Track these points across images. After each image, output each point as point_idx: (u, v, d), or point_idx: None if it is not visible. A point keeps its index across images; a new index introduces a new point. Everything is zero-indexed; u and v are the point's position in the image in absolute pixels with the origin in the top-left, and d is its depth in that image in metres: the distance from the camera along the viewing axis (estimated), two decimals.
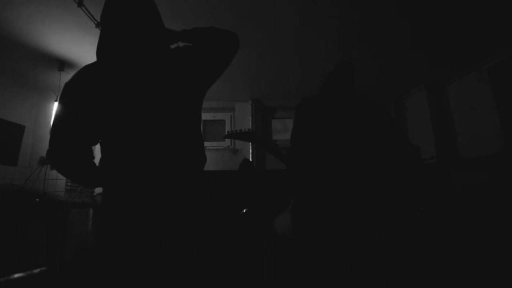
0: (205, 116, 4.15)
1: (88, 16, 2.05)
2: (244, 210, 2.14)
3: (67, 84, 0.86)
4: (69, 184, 3.28)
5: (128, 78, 0.85)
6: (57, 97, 3.05)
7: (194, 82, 0.93)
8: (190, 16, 2.17)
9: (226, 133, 1.78)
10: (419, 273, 1.61)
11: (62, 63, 2.75)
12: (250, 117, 4.03)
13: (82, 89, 0.84)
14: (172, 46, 1.01)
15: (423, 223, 1.86)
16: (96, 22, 2.14)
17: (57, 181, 3.14)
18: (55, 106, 3.08)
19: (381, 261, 1.24)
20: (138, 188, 0.81)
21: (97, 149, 0.94)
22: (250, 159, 3.81)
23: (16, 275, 2.06)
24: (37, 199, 2.42)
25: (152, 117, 0.85)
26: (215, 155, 3.96)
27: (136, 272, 0.80)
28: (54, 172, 2.89)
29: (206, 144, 4.05)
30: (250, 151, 3.92)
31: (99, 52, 0.91)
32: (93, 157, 0.91)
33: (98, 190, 3.02)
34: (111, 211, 0.83)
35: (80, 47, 2.52)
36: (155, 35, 0.92)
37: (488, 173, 2.48)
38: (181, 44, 1.01)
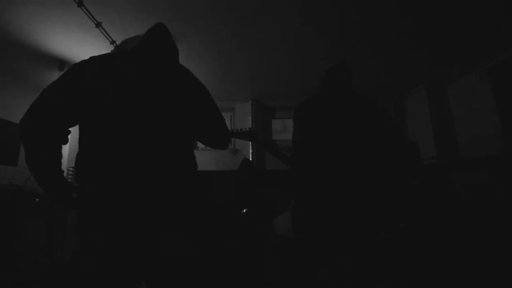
0: None
1: (88, 16, 2.05)
2: (244, 210, 2.14)
3: (79, 63, 0.88)
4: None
5: (127, 83, 0.86)
6: None
7: (183, 103, 0.98)
8: (190, 16, 2.17)
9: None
10: (419, 273, 1.61)
11: (62, 63, 2.75)
12: (250, 117, 4.03)
13: (77, 89, 0.83)
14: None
15: (423, 223, 1.87)
16: (96, 22, 2.14)
17: None
18: None
19: (381, 261, 1.24)
20: (131, 189, 0.81)
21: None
22: (250, 159, 3.81)
23: (16, 275, 2.06)
24: (37, 199, 2.42)
25: (151, 119, 0.86)
26: (215, 155, 3.96)
27: (135, 273, 0.80)
28: None
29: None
30: (250, 151, 3.92)
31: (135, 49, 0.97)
32: (67, 141, 0.88)
33: None
34: (104, 210, 0.79)
35: (80, 47, 2.52)
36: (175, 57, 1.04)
37: (488, 173, 2.48)
38: None
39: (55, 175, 0.83)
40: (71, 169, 2.98)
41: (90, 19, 2.08)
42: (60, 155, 0.86)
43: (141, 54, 0.95)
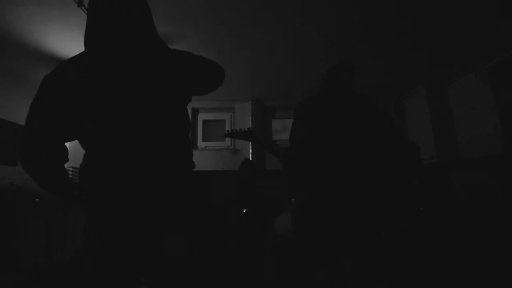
0: (205, 116, 4.15)
1: None
2: (244, 210, 2.14)
3: (47, 76, 0.83)
4: None
5: (118, 73, 0.83)
6: None
7: (177, 91, 0.93)
8: (190, 16, 2.17)
9: (226, 132, 1.77)
10: (419, 273, 1.61)
11: None
12: (250, 117, 4.03)
13: (65, 81, 0.81)
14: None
15: (423, 223, 1.87)
16: None
17: None
18: None
19: (381, 261, 1.24)
20: (131, 188, 0.80)
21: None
22: (250, 159, 3.81)
23: (16, 275, 2.06)
24: (37, 199, 2.42)
25: (143, 115, 0.83)
26: (215, 155, 3.96)
27: (134, 273, 0.80)
28: None
29: (206, 144, 4.06)
30: (250, 151, 3.92)
31: (87, 43, 0.87)
32: (67, 159, 0.87)
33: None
34: (104, 210, 0.79)
35: (80, 47, 2.49)
36: (149, 34, 0.90)
37: (488, 173, 2.48)
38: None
39: (55, 175, 0.82)
40: (70, 169, 2.98)
41: None
42: (61, 154, 0.85)
43: (125, 41, 0.86)
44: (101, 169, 0.81)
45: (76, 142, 0.86)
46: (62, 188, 0.83)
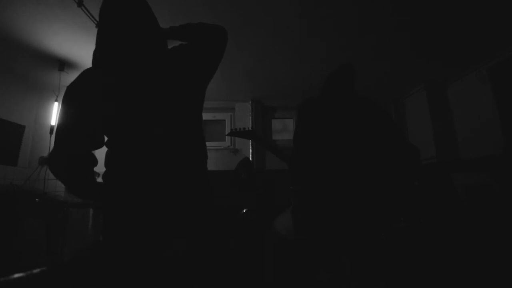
0: (205, 116, 4.15)
1: (88, 16, 2.05)
2: (244, 210, 2.14)
3: (69, 87, 0.86)
4: None
5: (130, 79, 0.86)
6: (57, 97, 3.05)
7: (191, 80, 0.94)
8: (190, 16, 2.17)
9: (229, 130, 1.80)
10: (419, 273, 1.61)
11: (62, 63, 2.75)
12: (250, 117, 4.03)
13: (84, 91, 0.84)
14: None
15: (423, 223, 1.87)
16: (96, 22, 2.14)
17: (57, 181, 3.13)
18: (55, 106, 3.08)
19: (382, 261, 1.24)
20: (143, 188, 0.81)
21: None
22: (250, 159, 3.81)
23: (16, 275, 2.06)
24: (37, 199, 2.42)
25: (155, 116, 0.85)
26: (215, 155, 3.96)
27: (137, 272, 0.80)
28: None
29: (206, 144, 4.06)
30: (250, 151, 3.92)
31: (97, 55, 0.90)
32: (96, 162, 0.88)
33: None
34: (115, 210, 0.82)
35: (80, 47, 2.52)
36: (152, 36, 0.94)
37: (488, 173, 2.48)
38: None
39: (83, 184, 0.85)
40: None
41: (90, 19, 2.08)
42: (93, 175, 0.87)
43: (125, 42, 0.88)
44: (110, 172, 0.84)
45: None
46: (89, 195, 0.86)
